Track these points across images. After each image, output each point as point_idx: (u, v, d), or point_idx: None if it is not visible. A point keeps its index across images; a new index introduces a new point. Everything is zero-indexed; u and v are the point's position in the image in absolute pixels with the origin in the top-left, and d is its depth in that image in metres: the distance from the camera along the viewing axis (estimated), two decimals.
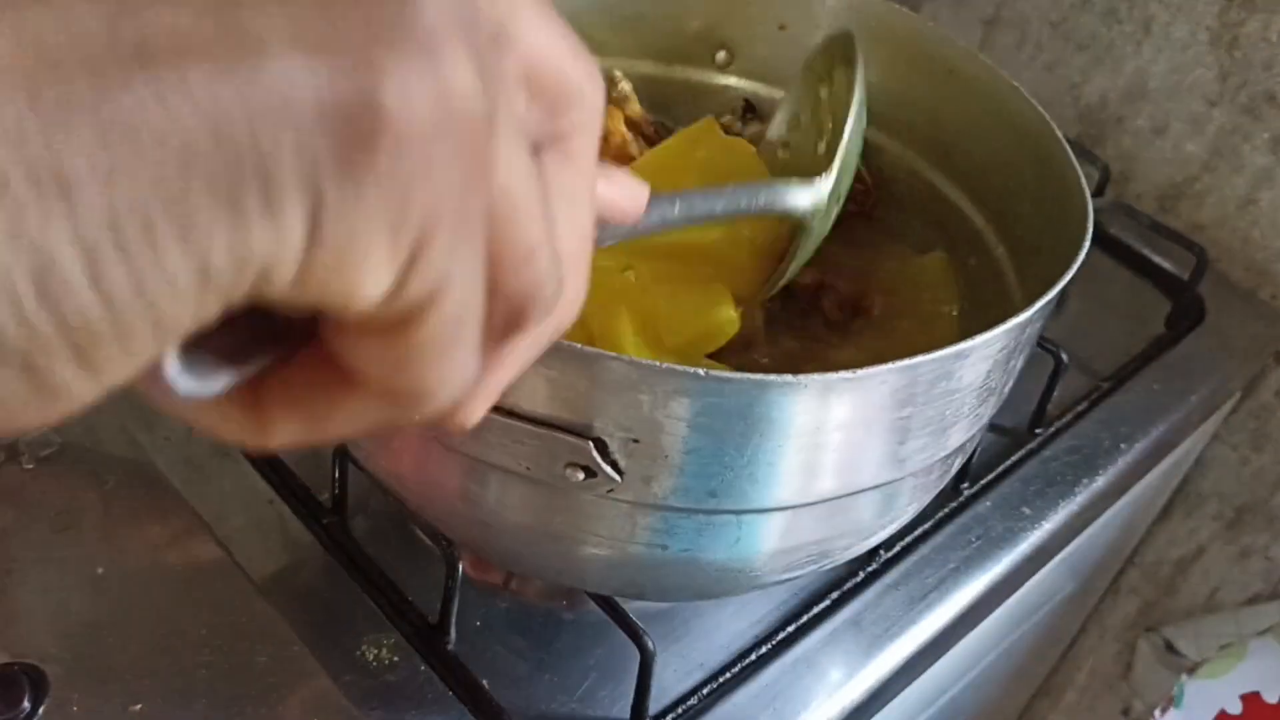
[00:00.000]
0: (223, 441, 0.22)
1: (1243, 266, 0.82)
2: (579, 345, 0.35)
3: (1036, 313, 0.40)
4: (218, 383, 0.20)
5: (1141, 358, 0.73)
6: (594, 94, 0.24)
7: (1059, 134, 0.51)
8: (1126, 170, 0.86)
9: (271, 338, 0.21)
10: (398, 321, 0.19)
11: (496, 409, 0.37)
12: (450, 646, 0.50)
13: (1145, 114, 0.84)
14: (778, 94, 0.63)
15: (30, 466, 0.53)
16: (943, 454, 0.44)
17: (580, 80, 0.23)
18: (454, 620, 0.50)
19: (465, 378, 0.22)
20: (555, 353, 0.34)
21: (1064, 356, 0.64)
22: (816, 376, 0.36)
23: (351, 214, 0.17)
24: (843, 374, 0.36)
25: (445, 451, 0.41)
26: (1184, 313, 0.77)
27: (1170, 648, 0.92)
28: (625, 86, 0.59)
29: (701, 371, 0.35)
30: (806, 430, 0.38)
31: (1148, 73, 0.83)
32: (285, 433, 0.22)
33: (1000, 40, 0.91)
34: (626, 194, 0.30)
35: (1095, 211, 0.47)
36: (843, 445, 0.40)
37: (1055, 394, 0.65)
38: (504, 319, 0.22)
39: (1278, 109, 0.77)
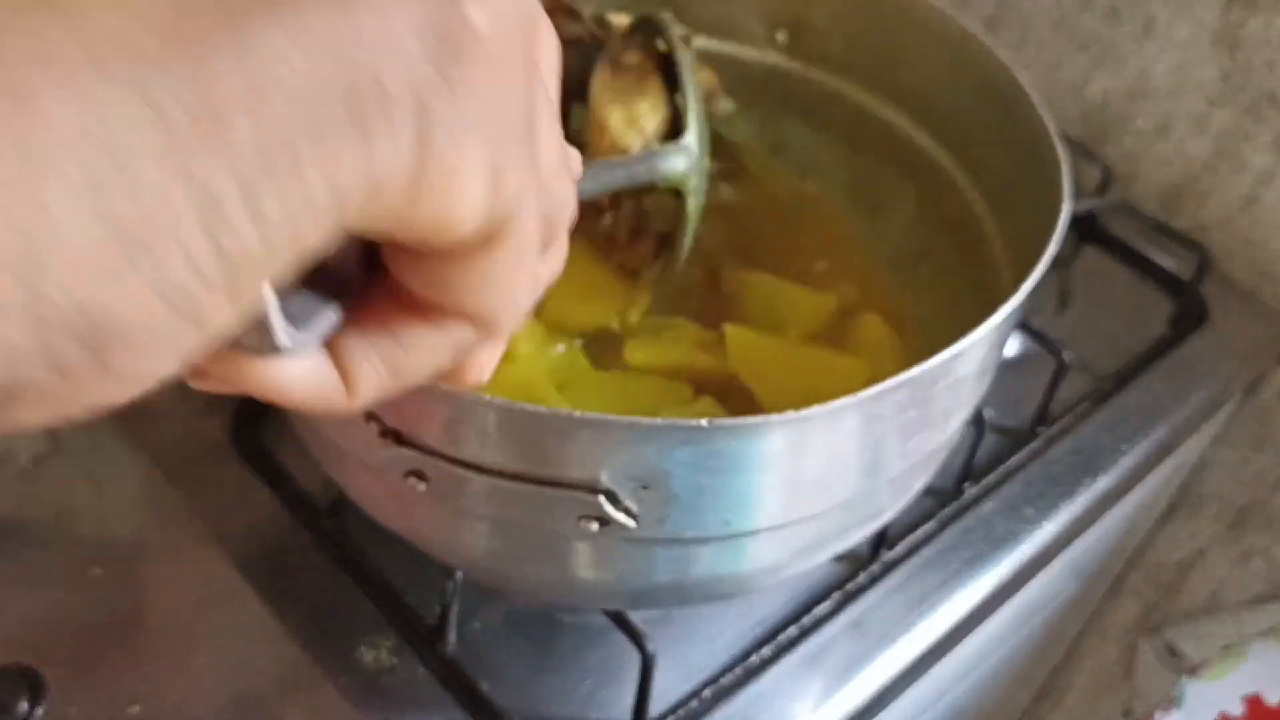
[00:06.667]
0: (312, 411, 0.23)
1: (1245, 267, 0.82)
2: (578, 413, 0.35)
3: (1023, 302, 0.41)
4: (317, 329, 0.22)
5: (1143, 358, 0.73)
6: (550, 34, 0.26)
7: (1021, 82, 0.51)
8: (1129, 171, 0.86)
9: (336, 294, 0.22)
10: (483, 241, 0.21)
11: (503, 474, 0.37)
12: (449, 650, 0.50)
13: (1147, 114, 0.84)
14: (727, 47, 0.63)
15: (29, 467, 0.52)
16: (946, 436, 0.45)
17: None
18: (452, 625, 0.50)
19: (535, 289, 0.24)
20: (558, 418, 0.35)
21: (1066, 357, 0.64)
22: (819, 408, 0.36)
23: (453, 125, 0.19)
24: (844, 400, 0.36)
25: (455, 513, 0.40)
26: (1186, 313, 0.77)
27: (1171, 649, 0.91)
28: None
29: (705, 423, 0.35)
30: (819, 452, 0.39)
31: (1149, 73, 0.83)
32: (369, 384, 0.23)
33: (1001, 40, 0.90)
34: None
35: (1096, 212, 0.47)
36: (858, 452, 0.40)
37: (1057, 394, 0.65)
38: (544, 231, 0.24)
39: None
